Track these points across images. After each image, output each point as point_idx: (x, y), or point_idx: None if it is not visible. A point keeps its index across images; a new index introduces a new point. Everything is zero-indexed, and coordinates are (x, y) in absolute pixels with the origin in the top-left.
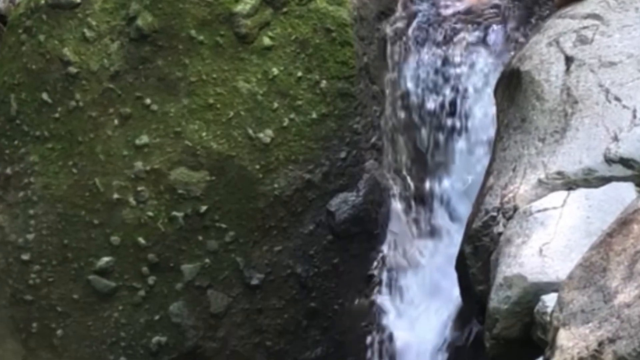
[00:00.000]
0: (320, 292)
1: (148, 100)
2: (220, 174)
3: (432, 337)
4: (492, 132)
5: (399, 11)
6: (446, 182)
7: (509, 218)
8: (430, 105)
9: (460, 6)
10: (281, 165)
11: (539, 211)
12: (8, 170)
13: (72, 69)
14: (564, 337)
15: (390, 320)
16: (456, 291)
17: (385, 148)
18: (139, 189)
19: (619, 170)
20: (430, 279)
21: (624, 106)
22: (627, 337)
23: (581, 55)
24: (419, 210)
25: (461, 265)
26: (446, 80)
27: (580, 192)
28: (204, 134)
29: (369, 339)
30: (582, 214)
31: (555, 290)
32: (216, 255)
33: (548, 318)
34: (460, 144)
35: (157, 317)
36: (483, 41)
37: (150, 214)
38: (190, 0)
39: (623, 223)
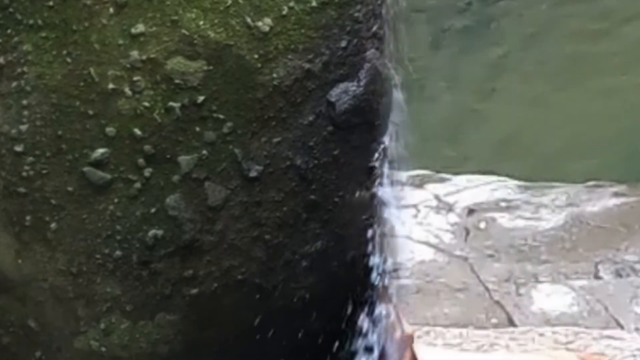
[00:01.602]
0: (320, 185)
1: None
2: (218, 64)
3: None
4: None
5: None
6: None
7: None
8: None
9: None
10: (280, 54)
11: None
12: (0, 60)
13: None
14: None
15: (392, 213)
16: None
17: (386, 37)
18: (135, 78)
19: None
20: None
21: None
22: None
23: None
24: None
25: None
26: None
27: None
28: (201, 22)
29: (370, 232)
30: None
31: None
32: (214, 147)
33: None
34: None
35: (153, 210)
36: None
37: (147, 104)
38: None
39: None
